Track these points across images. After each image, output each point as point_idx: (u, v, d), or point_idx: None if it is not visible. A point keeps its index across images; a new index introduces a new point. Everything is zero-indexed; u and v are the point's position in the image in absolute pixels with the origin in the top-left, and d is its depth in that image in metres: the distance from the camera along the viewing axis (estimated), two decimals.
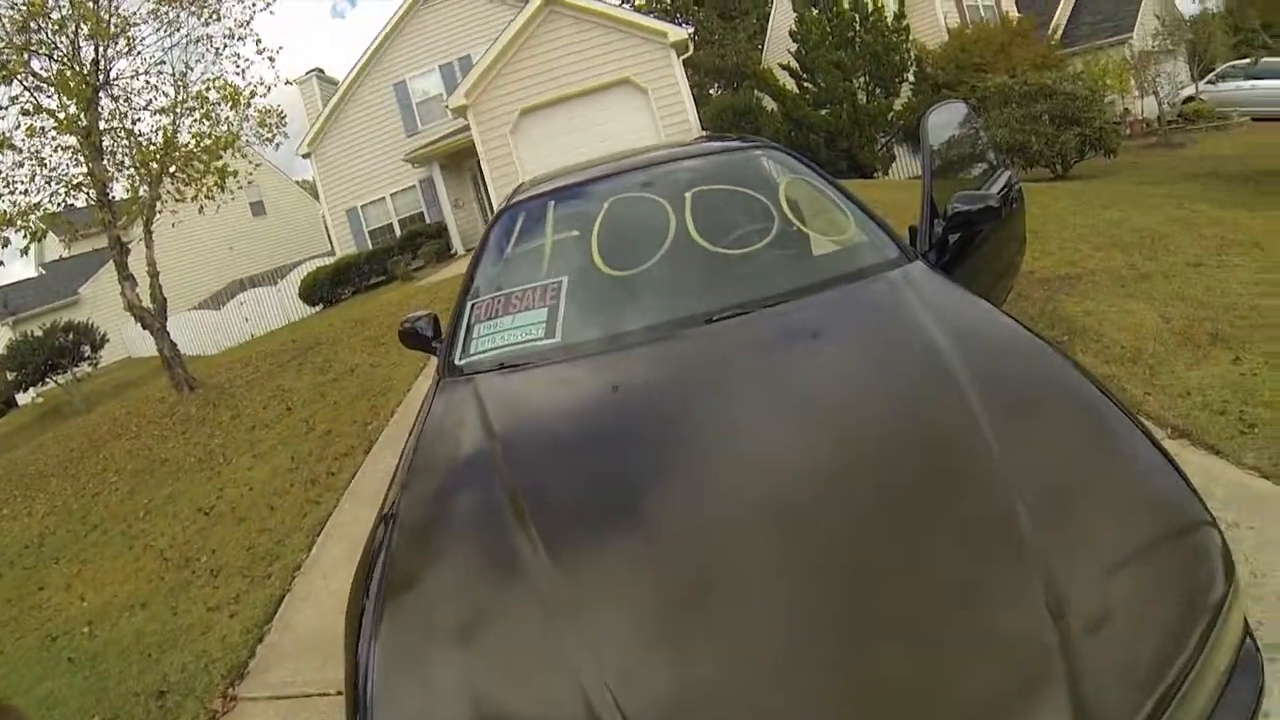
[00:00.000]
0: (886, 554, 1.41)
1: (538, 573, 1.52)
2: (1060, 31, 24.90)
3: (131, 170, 10.30)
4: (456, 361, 2.62)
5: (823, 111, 20.96)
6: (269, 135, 11.70)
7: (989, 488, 1.50)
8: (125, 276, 10.08)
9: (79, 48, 9.51)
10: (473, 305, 2.83)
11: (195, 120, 10.55)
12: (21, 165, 9.61)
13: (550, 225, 3.08)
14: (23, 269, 29.97)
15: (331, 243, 23.78)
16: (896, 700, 1.21)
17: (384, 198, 22.44)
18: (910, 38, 21.77)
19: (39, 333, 17.36)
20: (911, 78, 21.61)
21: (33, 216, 9.76)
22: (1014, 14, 24.80)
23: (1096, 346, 4.44)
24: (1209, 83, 21.14)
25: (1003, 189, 3.74)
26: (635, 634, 1.41)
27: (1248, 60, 19.12)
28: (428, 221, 21.81)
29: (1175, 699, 1.17)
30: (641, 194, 3.07)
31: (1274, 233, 6.61)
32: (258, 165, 14.65)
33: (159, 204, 10.43)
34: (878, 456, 1.67)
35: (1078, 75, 17.02)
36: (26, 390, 19.25)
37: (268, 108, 11.52)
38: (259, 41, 12.02)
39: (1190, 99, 20.87)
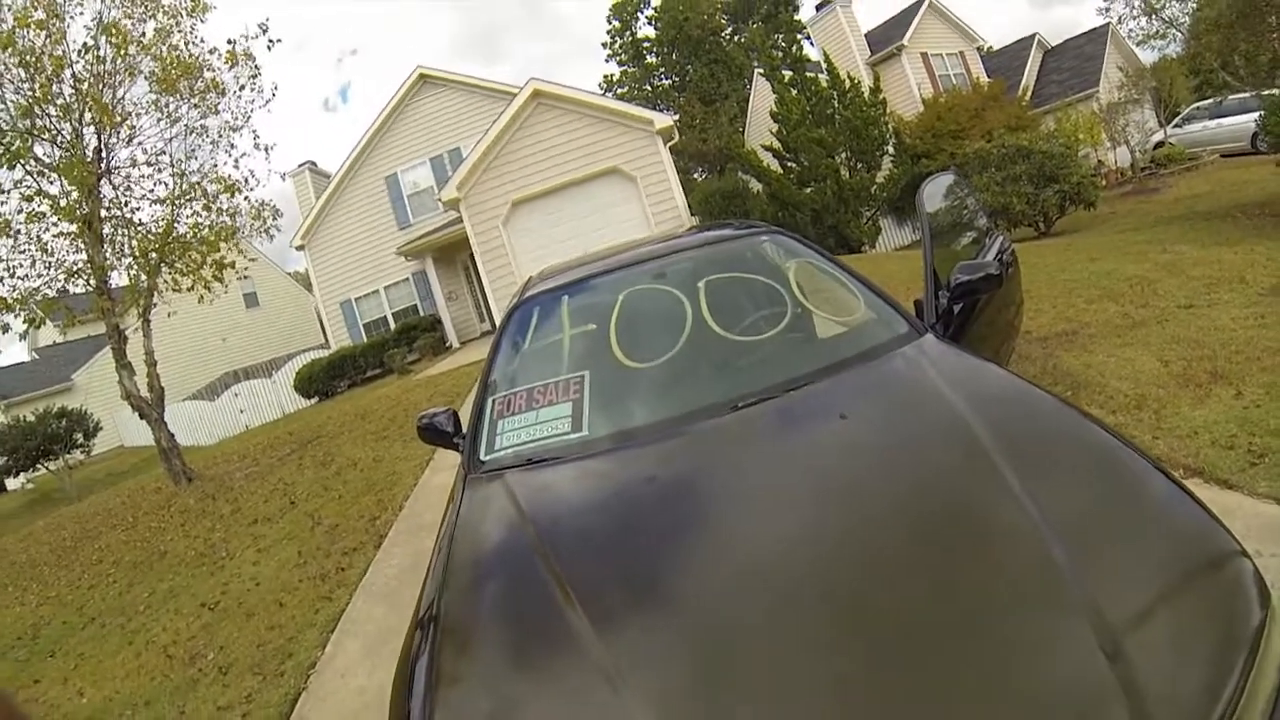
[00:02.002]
0: (932, 618, 1.43)
1: (593, 652, 1.53)
2: (1030, 92, 25.76)
3: (131, 258, 10.40)
4: (483, 457, 2.63)
5: (807, 190, 21.38)
6: (264, 228, 11.82)
7: (1026, 541, 1.53)
8: (123, 365, 10.14)
9: (82, 134, 9.73)
10: (493, 401, 2.86)
11: (194, 211, 10.74)
12: (23, 250, 9.70)
13: (566, 319, 3.13)
14: (16, 353, 29.85)
15: (325, 335, 23.87)
16: None
17: (377, 290, 22.62)
18: (887, 110, 22.35)
19: (31, 418, 17.23)
20: (891, 149, 22.15)
21: (32, 302, 9.83)
22: (984, 79, 25.72)
23: (1100, 397, 4.48)
24: (1176, 126, 21.62)
25: (998, 254, 3.82)
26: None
27: (1212, 100, 19.68)
28: (422, 314, 21.93)
29: None
30: (655, 285, 3.13)
31: (1255, 265, 6.79)
32: (253, 260, 14.81)
33: (156, 293, 10.52)
34: (916, 526, 1.69)
35: (1051, 133, 17.49)
36: (17, 475, 19.00)
37: (263, 201, 11.72)
38: (256, 134, 12.34)
39: (1161, 144, 21.31)
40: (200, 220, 10.79)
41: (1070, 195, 14.03)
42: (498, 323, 3.42)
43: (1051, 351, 5.59)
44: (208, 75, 10.81)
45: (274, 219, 11.88)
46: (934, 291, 2.98)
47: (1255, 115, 15.01)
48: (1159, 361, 4.86)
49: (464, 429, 2.95)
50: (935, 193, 3.96)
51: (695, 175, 23.52)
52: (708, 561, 1.78)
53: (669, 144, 16.84)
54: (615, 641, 1.55)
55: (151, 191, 10.68)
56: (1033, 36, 28.25)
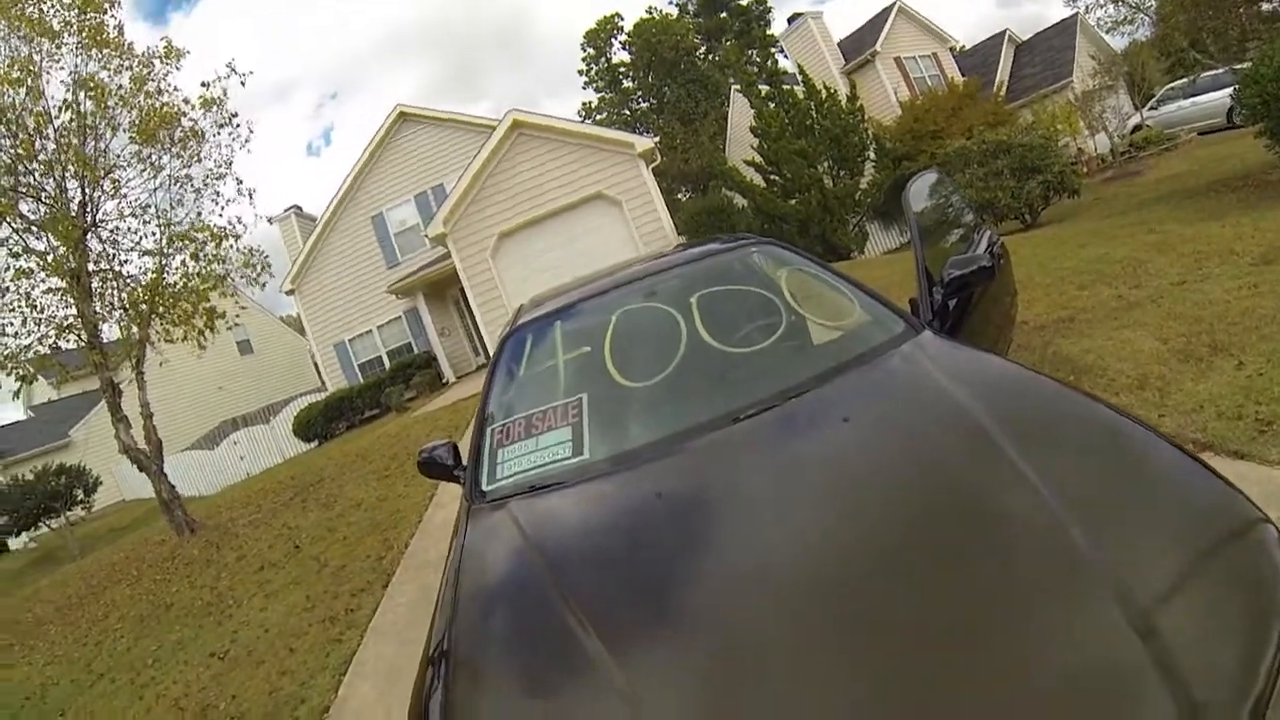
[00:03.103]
0: (956, 612, 1.41)
1: (609, 676, 1.50)
2: (1005, 87, 26.00)
3: (120, 311, 10.41)
4: (485, 487, 2.59)
5: (792, 201, 21.51)
6: (254, 275, 11.82)
7: (1044, 525, 1.51)
8: (119, 419, 10.10)
9: (66, 189, 9.76)
10: (492, 431, 2.83)
11: (183, 261, 10.75)
12: (12, 308, 9.70)
13: (559, 344, 3.11)
14: (12, 412, 29.66)
15: (321, 378, 23.88)
16: None
17: (370, 330, 22.64)
18: (866, 116, 22.54)
19: (30, 476, 17.10)
20: (872, 155, 22.32)
21: (23, 359, 9.84)
22: (958, 78, 25.99)
23: (1103, 380, 4.46)
24: (1151, 108, 21.86)
25: (988, 247, 3.80)
26: None
27: (1185, 80, 19.87)
28: (416, 351, 21.96)
29: (1270, 699, 1.16)
30: (647, 304, 3.12)
31: (1243, 237, 6.80)
32: (244, 307, 14.78)
33: (148, 345, 10.52)
34: (930, 522, 1.67)
35: (1030, 126, 17.64)
36: (19, 535, 18.92)
37: (251, 248, 11.72)
38: (239, 180, 12.34)
39: (1138, 127, 21.50)
40: (189, 269, 10.80)
41: (1054, 185, 14.06)
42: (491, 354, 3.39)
43: (1049, 339, 5.58)
44: (186, 123, 10.91)
45: (264, 266, 11.89)
46: (928, 288, 2.96)
47: (1228, 91, 15.19)
48: (1158, 340, 4.85)
49: (464, 461, 2.91)
50: (920, 192, 3.94)
51: (679, 195, 23.70)
52: (719, 577, 1.74)
53: (651, 166, 16.94)
54: (631, 663, 1.52)
55: (139, 244, 10.73)
56: (1003, 33, 28.54)
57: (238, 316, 12.13)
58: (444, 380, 20.24)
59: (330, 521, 8.29)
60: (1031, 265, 8.28)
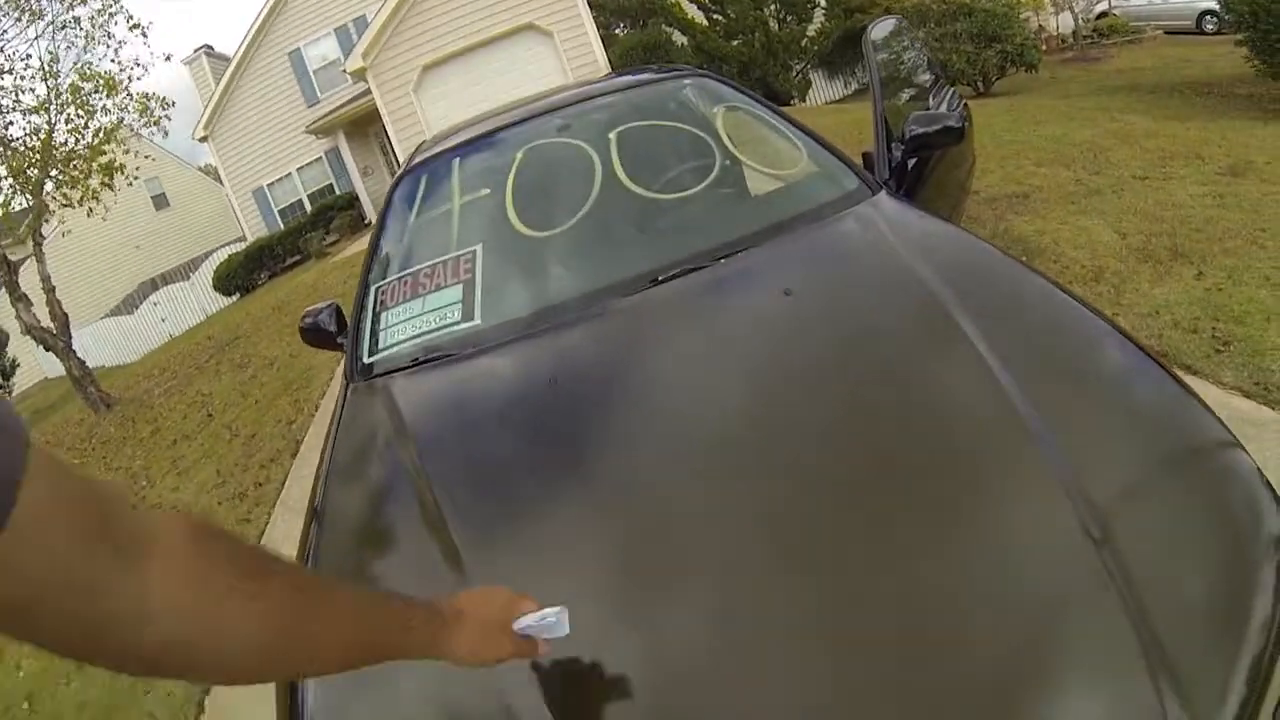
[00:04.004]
0: (901, 497, 1.26)
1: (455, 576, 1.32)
2: None
3: (8, 181, 9.55)
4: (365, 360, 2.20)
5: (734, 42, 20.74)
6: (154, 121, 10.96)
7: (999, 409, 1.36)
8: (18, 298, 9.52)
9: None
10: (377, 289, 2.40)
11: (70, 116, 9.78)
12: None
13: (457, 186, 2.65)
14: None
15: (242, 227, 22.86)
16: (930, 642, 1.06)
17: (290, 174, 21.66)
18: None
19: None
20: (823, 2, 21.50)
21: None
22: None
23: (1055, 267, 4.27)
24: None
25: (950, 107, 3.49)
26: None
27: None
28: (338, 193, 21.15)
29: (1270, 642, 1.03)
30: (559, 139, 2.67)
31: (1210, 143, 6.61)
32: (148, 157, 13.66)
33: (45, 213, 9.74)
34: (883, 410, 1.46)
35: None
36: None
37: (148, 93, 10.72)
38: (130, 17, 11.07)
39: (1104, 14, 21.20)
40: (78, 125, 9.81)
41: (1012, 56, 13.87)
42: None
43: (1002, 215, 5.37)
44: None
45: (163, 111, 10.91)
46: (886, 144, 2.58)
47: None
48: (1116, 233, 4.66)
49: (349, 326, 2.49)
50: (883, 38, 3.55)
51: (617, 31, 22.47)
52: (616, 477, 1.48)
53: None
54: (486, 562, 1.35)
55: (19, 102, 9.61)
56: None
57: (138, 169, 11.06)
58: (366, 221, 19.53)
59: (244, 384, 8.14)
60: (984, 135, 8.00)
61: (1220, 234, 4.34)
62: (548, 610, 0.95)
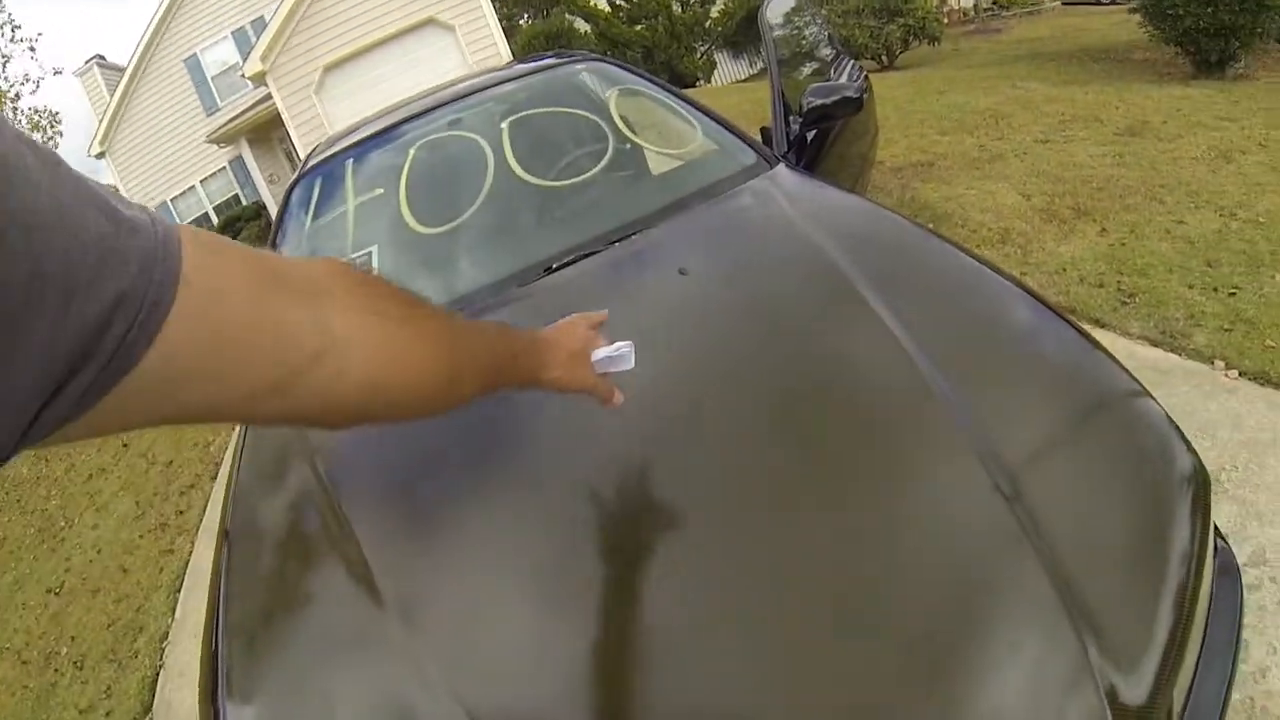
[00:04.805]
0: (810, 469, 1.26)
1: (380, 615, 1.25)
2: None
3: None
4: None
5: (638, 27, 20.89)
6: (46, 140, 10.28)
7: (905, 374, 1.35)
8: None
9: None
10: None
11: None
12: None
13: (350, 187, 2.60)
14: None
15: None
16: (851, 610, 1.06)
17: (194, 186, 20.85)
18: None
19: None
20: None
21: None
22: None
23: (963, 231, 4.33)
24: None
25: (850, 78, 3.44)
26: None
27: None
28: (245, 203, 20.42)
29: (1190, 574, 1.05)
30: (450, 133, 2.63)
31: (1108, 106, 6.81)
32: None
33: None
34: (786, 381, 1.44)
35: None
36: None
37: (39, 108, 10.13)
38: (16, 29, 10.41)
39: None
40: None
41: (914, 30, 14.11)
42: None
43: (907, 183, 5.44)
44: None
45: (53, 127, 10.30)
46: (784, 118, 2.56)
47: None
48: (1020, 195, 4.76)
49: None
50: (779, 13, 3.52)
51: (520, 22, 22.24)
52: (522, 475, 1.43)
53: None
54: (392, 569, 1.30)
55: None
56: None
57: None
58: None
59: None
60: (888, 106, 8.12)
61: (1121, 191, 4.46)
62: (620, 344, 1.04)
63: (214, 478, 5.25)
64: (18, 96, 9.79)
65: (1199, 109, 6.25)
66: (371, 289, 0.63)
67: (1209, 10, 7.44)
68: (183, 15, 19.52)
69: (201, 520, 4.70)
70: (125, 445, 7.09)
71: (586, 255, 1.93)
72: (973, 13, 20.71)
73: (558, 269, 1.91)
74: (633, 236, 1.96)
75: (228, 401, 0.51)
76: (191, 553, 4.35)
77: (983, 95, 8.10)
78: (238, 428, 2.09)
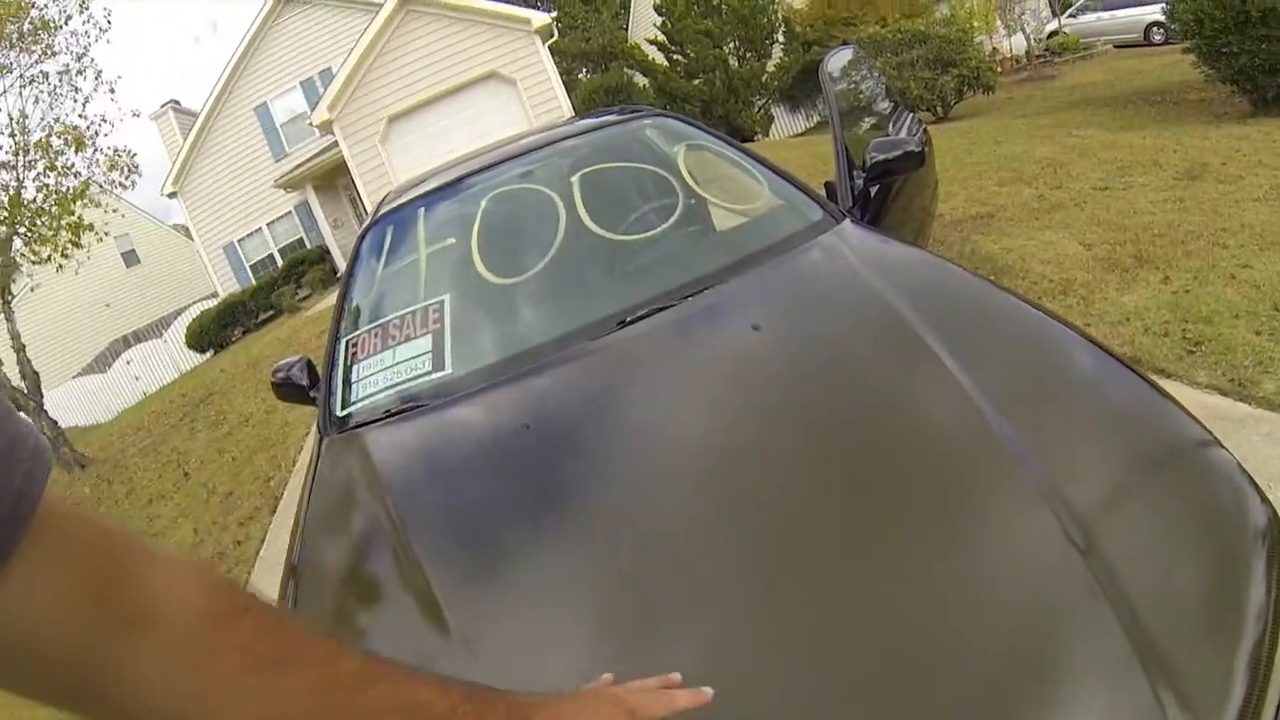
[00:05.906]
0: (882, 522, 1.25)
1: (446, 645, 1.27)
2: None
3: None
4: (338, 413, 2.16)
5: (695, 81, 20.98)
6: (122, 179, 10.86)
7: (976, 428, 1.35)
8: None
9: None
10: (348, 343, 2.38)
11: (39, 173, 9.72)
12: None
13: (423, 236, 2.64)
14: None
15: (213, 283, 22.70)
16: (924, 661, 1.04)
17: (260, 228, 21.58)
18: None
19: None
20: (781, 38, 21.77)
21: None
22: None
23: (1024, 283, 4.30)
24: (1070, 16, 21.97)
25: (910, 132, 3.50)
26: None
27: None
28: (309, 247, 21.08)
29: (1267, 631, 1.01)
30: (522, 185, 2.68)
31: (1165, 150, 6.71)
32: (114, 210, 13.55)
33: (14, 270, 9.68)
34: (859, 438, 1.46)
35: (947, 19, 17.42)
36: None
37: (116, 148, 10.68)
38: (99, 74, 11.03)
39: (1054, 33, 21.60)
40: (47, 182, 9.73)
41: (969, 80, 14.07)
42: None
43: (967, 236, 5.42)
44: (34, 14, 9.63)
45: (131, 167, 10.83)
46: (847, 172, 2.61)
47: (1148, 8, 15.12)
48: (1081, 245, 4.70)
49: (321, 380, 2.48)
50: (840, 68, 3.59)
51: (579, 76, 22.71)
52: (591, 524, 1.46)
53: (548, 43, 16.42)
54: (463, 609, 1.32)
55: None
56: None
57: (108, 225, 10.98)
58: (337, 274, 19.36)
59: (219, 441, 8.03)
60: (946, 158, 8.11)
61: (1182, 237, 4.39)
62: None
63: (273, 511, 5.34)
64: (96, 134, 10.23)
65: (1259, 148, 6.13)
66: (222, 637, 0.52)
67: (1264, 46, 7.27)
68: (254, 65, 20.47)
69: (260, 550, 4.79)
70: (186, 474, 7.38)
71: (660, 309, 1.96)
72: (1025, 59, 20.58)
73: (631, 323, 1.94)
74: (704, 292, 1.99)
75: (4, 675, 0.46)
76: (247, 582, 4.38)
77: (1039, 144, 8.04)
78: (306, 469, 2.18)
